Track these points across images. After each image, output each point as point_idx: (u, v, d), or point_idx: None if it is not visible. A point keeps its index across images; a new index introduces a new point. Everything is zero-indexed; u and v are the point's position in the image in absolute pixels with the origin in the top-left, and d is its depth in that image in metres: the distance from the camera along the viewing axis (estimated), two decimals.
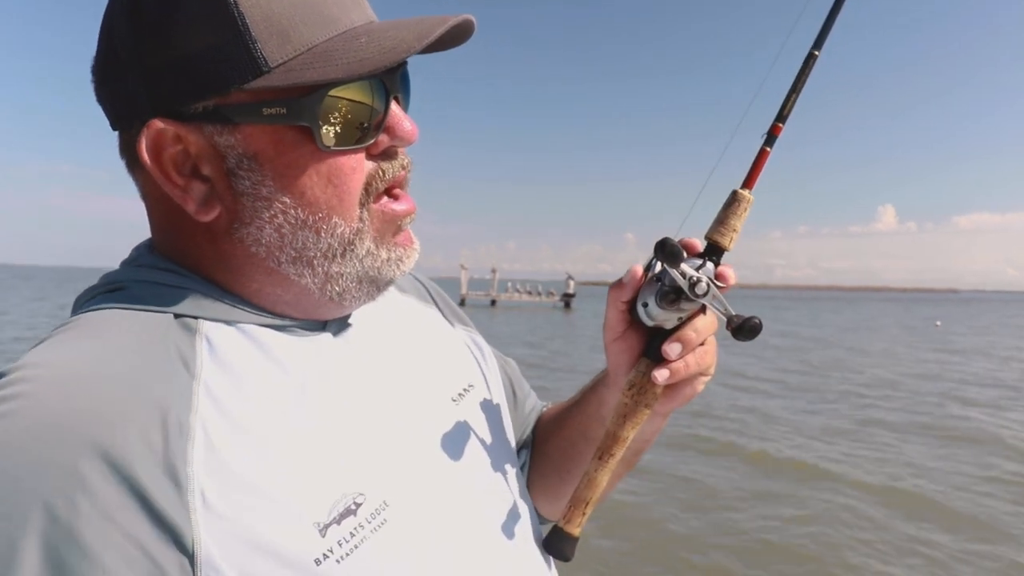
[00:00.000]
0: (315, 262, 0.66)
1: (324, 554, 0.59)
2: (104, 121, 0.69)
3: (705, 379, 0.80)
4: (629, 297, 0.77)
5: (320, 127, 0.62)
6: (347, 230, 0.66)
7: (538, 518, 0.89)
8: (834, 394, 13.67)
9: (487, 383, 0.92)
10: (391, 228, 0.70)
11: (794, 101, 0.77)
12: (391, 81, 0.66)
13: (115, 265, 0.73)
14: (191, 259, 0.68)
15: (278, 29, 0.60)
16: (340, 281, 0.68)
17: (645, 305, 0.75)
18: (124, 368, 0.58)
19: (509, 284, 56.74)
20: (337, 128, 0.63)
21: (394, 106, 0.67)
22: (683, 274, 0.70)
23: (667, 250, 0.68)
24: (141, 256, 0.71)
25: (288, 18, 0.61)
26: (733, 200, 0.76)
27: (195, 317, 0.65)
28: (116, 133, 0.68)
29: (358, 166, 0.66)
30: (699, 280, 0.69)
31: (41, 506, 0.50)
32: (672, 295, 0.72)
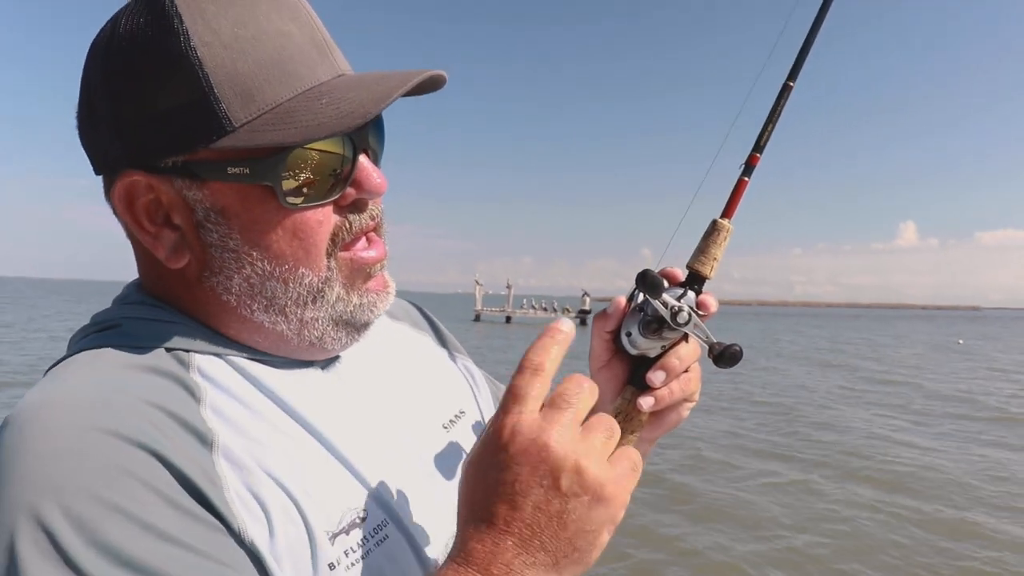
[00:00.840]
0: (287, 310, 0.67)
1: (334, 562, 0.62)
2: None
3: (690, 405, 0.81)
4: (613, 327, 0.78)
5: (282, 186, 0.63)
6: (315, 279, 0.67)
7: None
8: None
9: (479, 408, 0.93)
10: (360, 275, 0.70)
11: (770, 132, 0.79)
12: (359, 136, 0.67)
13: (130, 278, 0.76)
14: (174, 300, 0.70)
15: (242, 89, 0.61)
16: (316, 326, 0.69)
17: (628, 334, 0.76)
18: (132, 391, 0.59)
19: (524, 300, 56.90)
20: (301, 185, 0.64)
21: (363, 159, 0.68)
22: (664, 304, 0.71)
23: (648, 281, 0.71)
24: (131, 295, 0.73)
25: (252, 77, 0.61)
26: (713, 230, 0.77)
27: (187, 351, 0.66)
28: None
29: (324, 219, 0.66)
30: (680, 309, 0.71)
31: (98, 500, 0.51)
32: (654, 324, 0.73)
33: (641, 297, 0.75)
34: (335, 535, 0.62)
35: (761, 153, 0.78)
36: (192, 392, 0.62)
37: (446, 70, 0.68)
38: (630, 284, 0.73)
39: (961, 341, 42.90)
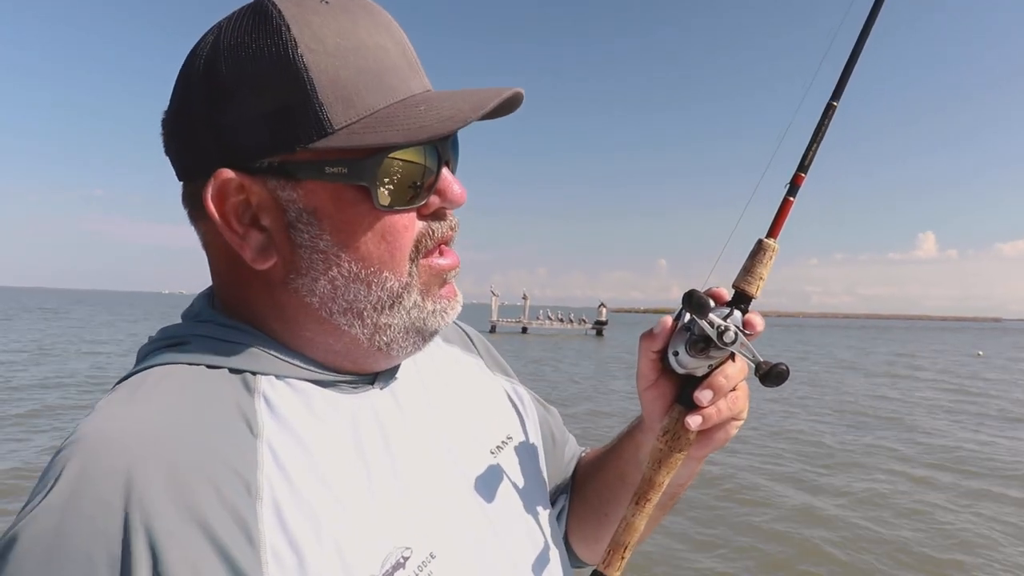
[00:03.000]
0: (365, 313, 0.69)
1: None
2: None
3: (738, 424, 0.82)
4: (660, 347, 0.78)
5: (377, 187, 0.66)
6: (396, 284, 0.69)
7: (571, 563, 0.92)
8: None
9: (526, 433, 0.94)
10: (437, 281, 0.73)
11: (815, 151, 0.79)
12: (443, 147, 0.70)
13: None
14: (248, 308, 0.71)
15: (343, 95, 0.64)
16: (388, 332, 0.71)
17: (676, 354, 0.77)
18: (192, 427, 0.61)
19: (540, 311, 56.61)
20: (392, 189, 0.67)
21: (445, 171, 0.71)
22: (711, 323, 0.72)
23: (694, 302, 0.71)
24: (203, 311, 0.74)
25: (353, 85, 0.65)
26: (758, 249, 0.78)
27: (253, 373, 0.68)
28: (179, 183, 0.72)
29: (410, 225, 0.69)
30: (727, 329, 0.72)
31: (124, 555, 0.52)
32: (701, 344, 0.74)
33: (687, 317, 0.76)
34: (387, 573, 0.63)
35: (806, 172, 0.79)
36: (251, 426, 0.64)
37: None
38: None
39: (981, 352, 42.21)
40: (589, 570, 0.82)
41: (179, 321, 0.75)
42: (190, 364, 0.67)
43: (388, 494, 0.68)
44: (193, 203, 0.71)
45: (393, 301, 0.70)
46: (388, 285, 0.69)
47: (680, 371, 0.78)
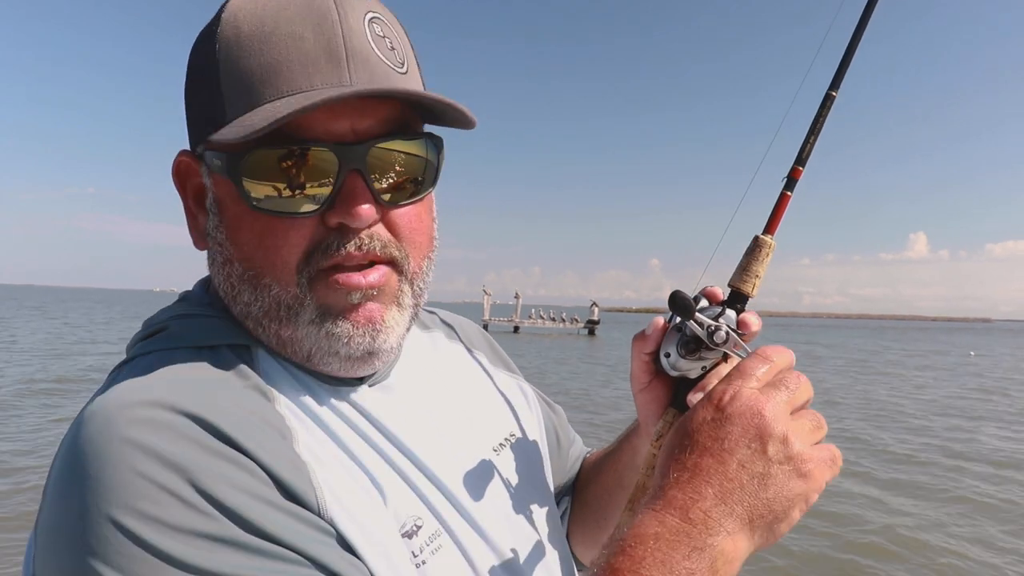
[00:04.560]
0: (262, 321, 0.67)
1: (411, 556, 0.64)
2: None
3: None
4: (652, 348, 0.76)
5: (243, 185, 0.63)
6: (282, 293, 0.65)
7: (574, 564, 0.91)
8: None
9: (529, 432, 0.92)
10: (339, 300, 0.65)
11: (813, 143, 0.76)
12: (353, 154, 0.63)
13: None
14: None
15: (242, 86, 0.63)
16: (298, 345, 0.67)
17: (668, 355, 0.74)
18: (211, 388, 0.61)
19: (532, 310, 56.70)
20: (267, 189, 0.63)
21: (354, 183, 0.63)
22: (700, 323, 0.69)
23: (678, 302, 0.69)
24: (193, 295, 0.76)
25: (251, 76, 0.63)
26: (755, 246, 0.75)
27: (247, 346, 0.69)
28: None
29: (295, 232, 0.64)
30: (717, 328, 0.69)
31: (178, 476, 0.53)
32: (692, 344, 0.72)
33: (679, 318, 0.73)
34: (405, 534, 0.64)
35: (804, 166, 0.76)
36: (263, 392, 0.64)
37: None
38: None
39: (972, 353, 42.50)
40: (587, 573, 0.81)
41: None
42: (184, 348, 0.66)
43: (393, 472, 0.68)
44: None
45: (285, 312, 0.65)
46: (272, 293, 0.65)
47: (673, 373, 0.75)
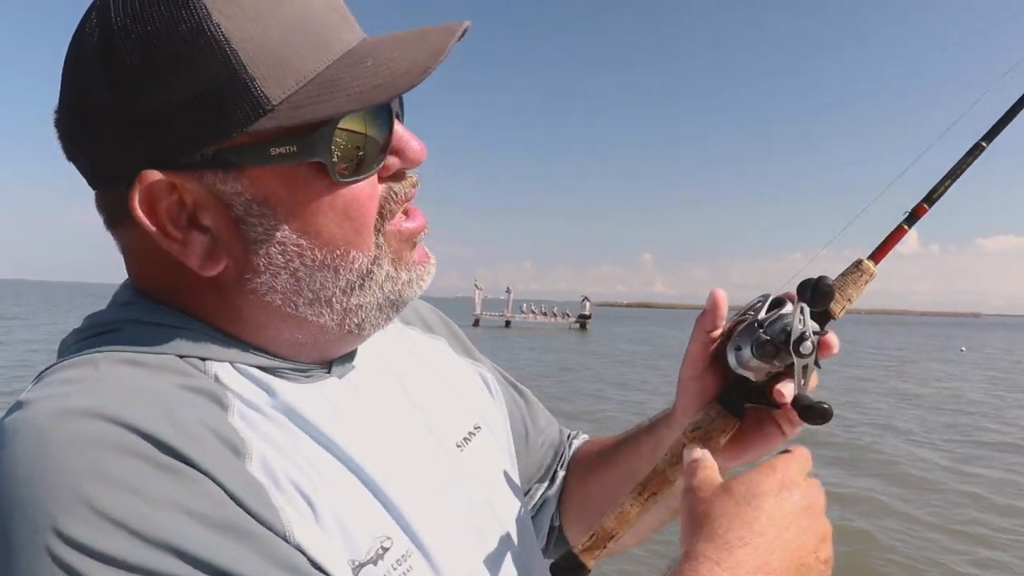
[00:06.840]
0: (334, 299, 0.63)
1: None
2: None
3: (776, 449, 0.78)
4: (717, 330, 0.72)
5: (333, 160, 0.58)
6: (365, 261, 0.63)
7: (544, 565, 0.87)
8: None
9: (495, 422, 0.88)
10: (407, 247, 0.67)
11: (947, 187, 0.74)
12: (393, 102, 0.63)
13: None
14: (195, 312, 0.64)
15: (276, 62, 0.56)
16: (360, 312, 0.65)
17: (738, 349, 0.69)
18: (157, 395, 0.54)
19: (524, 305, 56.64)
20: (349, 158, 0.60)
21: (399, 127, 0.64)
22: (799, 324, 0.63)
23: (820, 289, 0.64)
24: (131, 299, 0.65)
25: (284, 48, 0.56)
26: (856, 269, 0.72)
27: (202, 359, 0.61)
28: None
29: (372, 193, 0.63)
30: (807, 338, 0.63)
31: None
32: (771, 346, 0.65)
33: (764, 312, 0.68)
34: (361, 564, 0.58)
35: (931, 206, 0.74)
36: (218, 400, 0.58)
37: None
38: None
39: (964, 348, 42.75)
40: (563, 550, 0.78)
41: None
42: (126, 349, 0.59)
43: (360, 484, 0.63)
44: (109, 211, 0.63)
45: (364, 280, 0.64)
46: (357, 265, 0.63)
47: (737, 371, 0.69)
